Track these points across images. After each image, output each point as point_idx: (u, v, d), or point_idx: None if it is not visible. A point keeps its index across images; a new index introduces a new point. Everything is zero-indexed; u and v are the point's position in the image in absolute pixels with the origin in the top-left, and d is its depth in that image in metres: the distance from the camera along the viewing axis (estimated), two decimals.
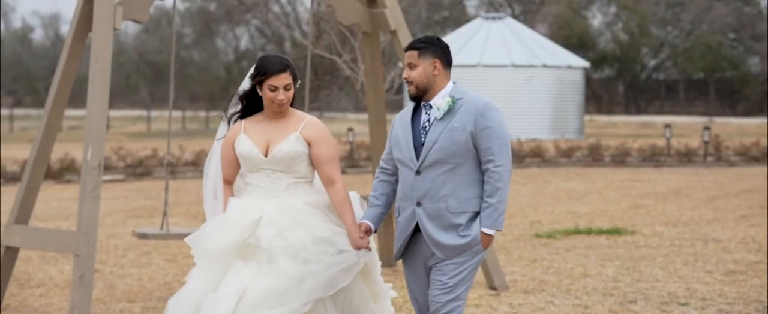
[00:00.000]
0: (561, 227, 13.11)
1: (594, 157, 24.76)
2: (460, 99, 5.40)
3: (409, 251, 5.53)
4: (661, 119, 48.53)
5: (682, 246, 11.62)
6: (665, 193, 17.37)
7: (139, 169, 21.96)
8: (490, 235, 5.37)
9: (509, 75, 35.57)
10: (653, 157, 24.60)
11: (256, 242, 5.43)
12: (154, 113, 50.66)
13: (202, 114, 52.85)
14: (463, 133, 5.35)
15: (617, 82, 61.34)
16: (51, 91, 8.29)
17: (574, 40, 54.93)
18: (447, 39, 33.40)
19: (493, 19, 38.27)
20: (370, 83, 9.85)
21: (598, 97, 60.83)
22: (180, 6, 55.50)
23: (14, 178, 20.01)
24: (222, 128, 5.71)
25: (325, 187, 5.57)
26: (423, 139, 5.41)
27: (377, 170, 5.64)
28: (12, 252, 8.39)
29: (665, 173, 21.84)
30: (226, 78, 58.31)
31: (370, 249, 5.50)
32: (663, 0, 57.54)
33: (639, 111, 58.67)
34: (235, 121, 5.66)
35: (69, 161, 20.88)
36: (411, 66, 5.44)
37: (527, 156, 24.72)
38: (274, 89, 5.48)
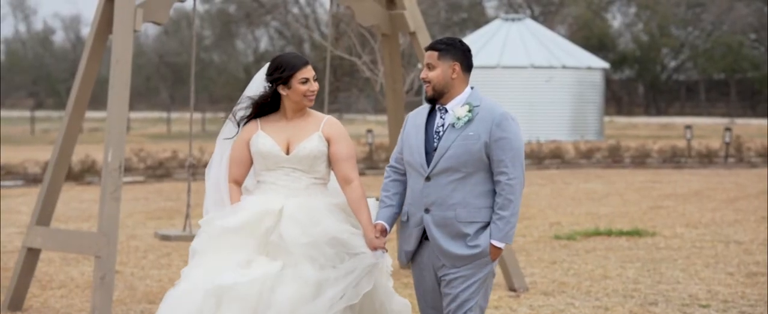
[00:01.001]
0: (581, 228, 13.08)
1: (614, 158, 24.69)
2: (477, 106, 5.31)
3: (418, 256, 5.45)
4: (681, 120, 48.36)
5: (703, 247, 11.58)
6: (686, 195, 17.31)
7: (159, 171, 22.03)
8: (499, 248, 5.29)
9: (529, 76, 35.51)
10: (674, 159, 24.52)
11: (278, 239, 5.37)
12: (174, 115, 50.79)
13: (222, 115, 52.94)
14: (477, 142, 5.24)
15: (637, 83, 61.15)
16: (72, 93, 8.32)
17: (594, 41, 54.81)
18: (466, 40, 33.29)
19: (513, 20, 38.20)
20: (390, 85, 9.84)
21: (618, 98, 60.66)
22: (200, 8, 55.63)
23: (35, 180, 20.11)
24: (229, 129, 5.66)
25: (341, 186, 5.52)
26: (435, 145, 5.31)
27: (388, 169, 5.54)
28: (33, 253, 8.43)
29: (686, 174, 21.76)
30: (245, 79, 58.23)
31: (386, 250, 5.44)
32: (683, 0, 57.34)
33: (659, 112, 58.47)
34: (246, 122, 5.63)
35: (90, 163, 20.96)
36: (430, 66, 5.35)
37: (547, 157, 24.67)
38: (306, 81, 5.51)
